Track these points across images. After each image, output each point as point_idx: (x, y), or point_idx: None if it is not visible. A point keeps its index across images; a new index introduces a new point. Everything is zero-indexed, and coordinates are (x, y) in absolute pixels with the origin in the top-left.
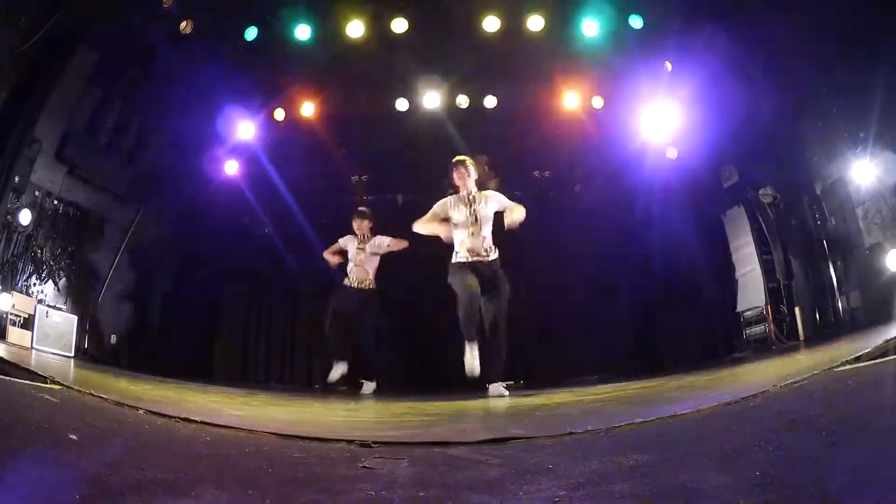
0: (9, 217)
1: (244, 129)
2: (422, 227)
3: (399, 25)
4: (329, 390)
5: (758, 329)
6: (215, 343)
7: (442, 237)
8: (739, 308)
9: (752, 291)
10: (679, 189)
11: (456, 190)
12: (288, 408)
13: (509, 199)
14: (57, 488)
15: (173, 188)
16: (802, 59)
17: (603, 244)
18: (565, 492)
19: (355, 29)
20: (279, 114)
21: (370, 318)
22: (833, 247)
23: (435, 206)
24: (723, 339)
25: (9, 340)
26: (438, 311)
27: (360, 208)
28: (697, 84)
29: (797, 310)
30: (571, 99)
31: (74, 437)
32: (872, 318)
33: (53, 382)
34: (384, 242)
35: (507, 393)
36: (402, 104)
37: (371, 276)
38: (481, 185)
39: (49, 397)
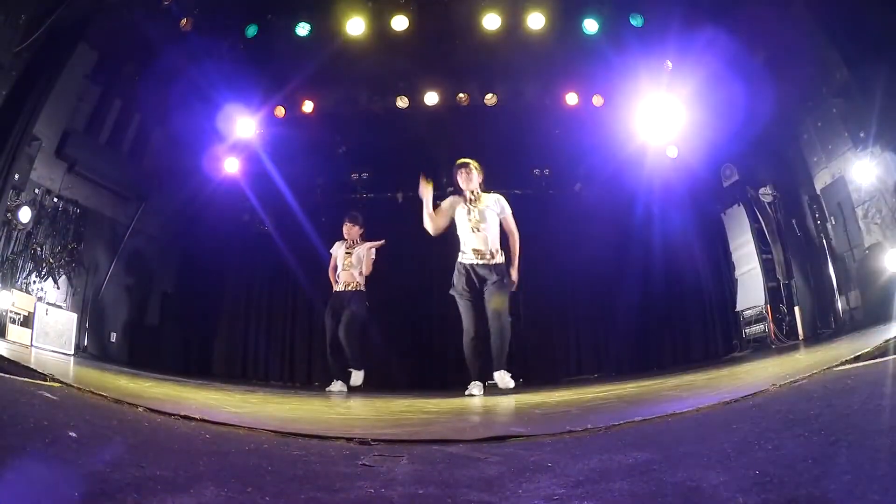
0: (9, 215)
1: (244, 126)
2: (431, 219)
3: (399, 23)
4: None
5: (757, 328)
6: (215, 341)
7: (432, 230)
8: (739, 307)
9: (751, 291)
10: (679, 188)
11: (458, 192)
12: (287, 405)
13: (508, 198)
14: (56, 486)
15: (173, 186)
16: (803, 59)
17: (603, 243)
18: (564, 490)
19: (355, 26)
20: (279, 111)
21: (353, 311)
22: (833, 246)
23: (444, 203)
24: (722, 339)
25: (8, 338)
26: (438, 309)
27: (352, 213)
28: (698, 83)
29: (797, 309)
30: (572, 97)
31: (74, 435)
32: (872, 317)
33: (53, 380)
34: (365, 249)
35: (512, 384)
36: (402, 102)
37: (358, 278)
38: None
39: (48, 395)
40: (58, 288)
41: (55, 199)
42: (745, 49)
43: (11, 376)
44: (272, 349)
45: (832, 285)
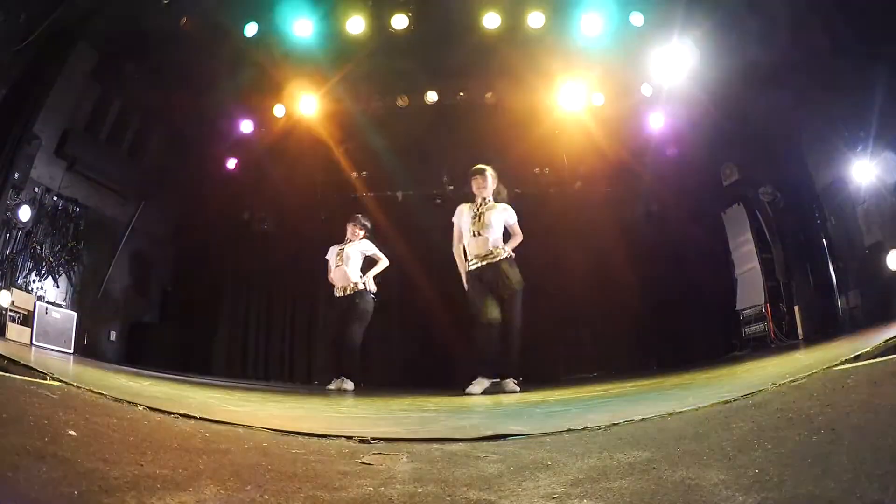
0: (8, 213)
1: (244, 125)
2: (457, 250)
3: (399, 22)
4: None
5: (757, 327)
6: (214, 339)
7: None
8: (739, 306)
9: (751, 290)
10: (679, 187)
11: (471, 198)
12: (287, 404)
13: (508, 195)
14: (56, 484)
15: (173, 184)
16: (803, 58)
17: (603, 241)
18: (564, 488)
19: (355, 25)
20: (279, 110)
21: (352, 318)
22: (833, 246)
23: (454, 228)
24: (722, 338)
25: (8, 337)
26: (438, 308)
27: (361, 217)
28: (698, 82)
29: (796, 309)
30: (572, 95)
31: (73, 434)
32: (872, 317)
33: (53, 379)
34: (370, 247)
35: (518, 389)
36: (401, 100)
37: (353, 277)
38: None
39: (48, 394)
40: (57, 287)
41: (55, 198)
42: (745, 48)
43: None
44: (272, 348)
45: (832, 285)
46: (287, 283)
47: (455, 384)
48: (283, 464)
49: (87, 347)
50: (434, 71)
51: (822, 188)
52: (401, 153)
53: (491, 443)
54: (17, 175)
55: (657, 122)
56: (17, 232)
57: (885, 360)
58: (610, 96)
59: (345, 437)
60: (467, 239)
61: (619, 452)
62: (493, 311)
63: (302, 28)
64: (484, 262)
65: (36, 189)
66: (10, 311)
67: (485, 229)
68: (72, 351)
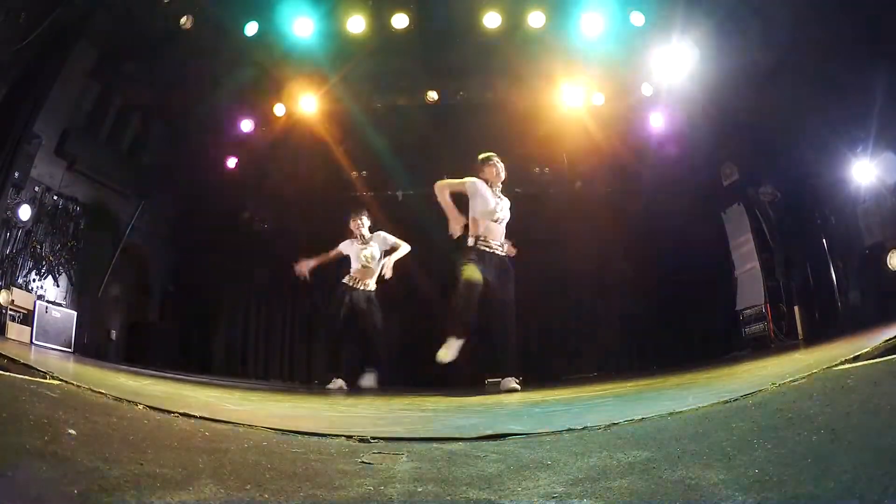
0: (9, 212)
1: (244, 124)
2: (445, 190)
3: (399, 21)
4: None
5: (757, 327)
6: (214, 338)
7: (457, 223)
8: (739, 306)
9: (751, 290)
10: (679, 186)
11: (487, 182)
12: (287, 403)
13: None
14: (56, 483)
15: (173, 183)
16: (803, 58)
17: (603, 241)
18: (563, 488)
19: (356, 24)
20: (279, 109)
21: (375, 309)
22: (833, 246)
23: (468, 183)
24: (722, 338)
25: (8, 336)
26: (439, 307)
27: (359, 211)
28: (698, 82)
29: (796, 309)
30: (572, 95)
31: (73, 433)
32: (872, 317)
33: (52, 378)
34: (388, 239)
35: (518, 388)
36: (402, 100)
37: (375, 276)
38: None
39: (48, 393)
40: (57, 286)
41: (55, 197)
42: (745, 48)
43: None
44: (272, 347)
45: (832, 285)
46: (287, 283)
47: (455, 384)
48: (283, 463)
49: (87, 346)
50: (434, 70)
51: (822, 188)
52: (401, 153)
53: (491, 442)
54: (17, 174)
55: (657, 122)
56: (18, 231)
57: (885, 361)
58: (610, 96)
59: (344, 436)
60: (488, 219)
61: (619, 452)
62: (478, 276)
63: (302, 27)
64: (502, 251)
65: (36, 188)
66: (10, 309)
67: (503, 222)
68: (72, 350)
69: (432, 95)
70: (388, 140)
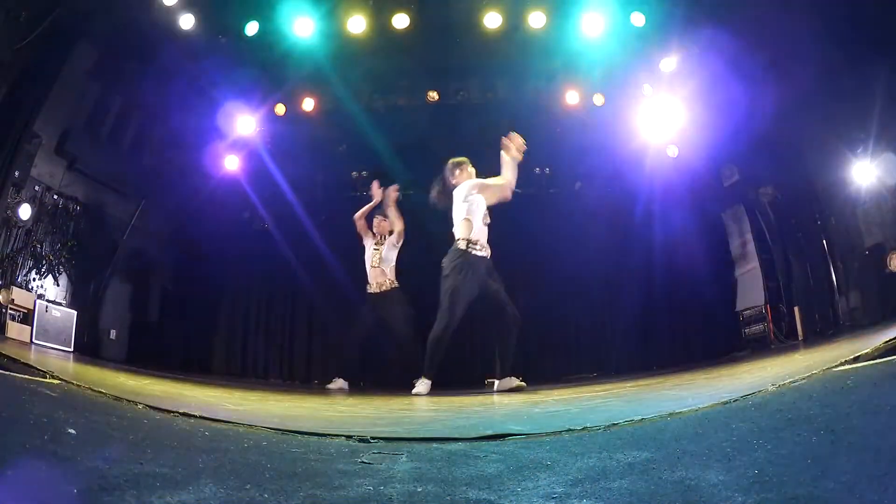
0: (9, 212)
1: (244, 124)
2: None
3: (400, 21)
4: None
5: (757, 328)
6: (214, 338)
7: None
8: (739, 307)
9: (751, 290)
10: (679, 187)
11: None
12: (287, 403)
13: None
14: (55, 482)
15: (173, 183)
16: (803, 59)
17: (603, 242)
18: (563, 488)
19: (356, 24)
20: (280, 109)
21: (400, 315)
22: (833, 247)
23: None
24: (722, 338)
25: (8, 335)
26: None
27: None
28: (699, 82)
29: (796, 309)
30: (572, 95)
31: (73, 432)
32: (872, 318)
33: (53, 377)
34: (393, 237)
35: (525, 384)
36: (402, 100)
37: (390, 275)
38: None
39: (48, 392)
40: (57, 285)
41: (55, 196)
42: (745, 48)
43: (11, 373)
44: (272, 347)
45: (832, 286)
46: (287, 283)
47: (455, 384)
48: (283, 463)
49: (87, 346)
50: (434, 70)
51: (822, 189)
52: (401, 152)
53: (491, 443)
54: (17, 173)
55: (657, 123)
56: (18, 230)
57: (884, 362)
58: (610, 96)
59: (344, 436)
60: (483, 221)
61: (619, 452)
62: (460, 309)
63: (302, 27)
64: (488, 256)
65: (36, 187)
66: (10, 309)
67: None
68: (72, 349)
69: (432, 95)
70: (388, 140)
